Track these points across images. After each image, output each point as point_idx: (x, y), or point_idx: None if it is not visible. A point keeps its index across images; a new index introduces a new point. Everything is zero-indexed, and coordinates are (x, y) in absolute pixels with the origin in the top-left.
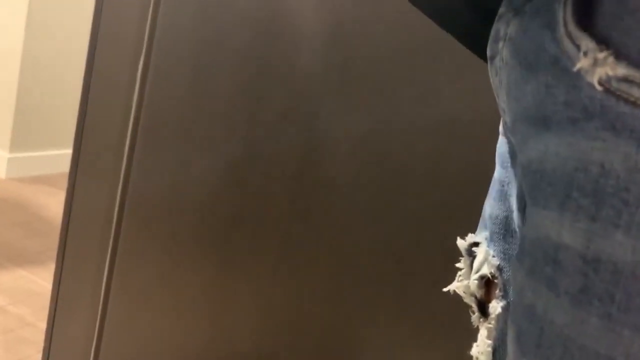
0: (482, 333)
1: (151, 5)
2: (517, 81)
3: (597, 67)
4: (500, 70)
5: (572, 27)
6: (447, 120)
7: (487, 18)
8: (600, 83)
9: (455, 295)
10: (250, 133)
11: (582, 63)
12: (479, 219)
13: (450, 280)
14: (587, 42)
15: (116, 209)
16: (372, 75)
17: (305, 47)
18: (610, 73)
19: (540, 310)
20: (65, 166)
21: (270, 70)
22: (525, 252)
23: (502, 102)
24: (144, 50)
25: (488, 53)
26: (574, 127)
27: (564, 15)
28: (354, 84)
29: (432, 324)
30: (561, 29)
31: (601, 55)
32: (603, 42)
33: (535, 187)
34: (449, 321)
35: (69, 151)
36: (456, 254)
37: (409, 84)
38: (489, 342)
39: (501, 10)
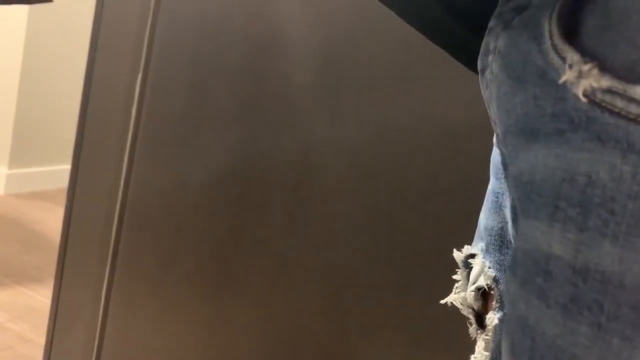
0: (480, 345)
1: (149, 21)
2: (507, 93)
3: (582, 79)
4: (490, 83)
5: (558, 40)
6: (442, 131)
7: (478, 31)
8: (585, 95)
9: (453, 307)
10: (247, 146)
11: (568, 75)
12: (475, 230)
13: (448, 291)
14: (572, 55)
15: (114, 224)
16: (367, 87)
17: (300, 61)
18: (595, 85)
19: (532, 321)
20: (62, 182)
21: (266, 83)
22: (518, 263)
23: (493, 114)
24: (142, 65)
25: (479, 66)
26: (561, 139)
27: (550, 28)
28: (349, 96)
29: (430, 335)
30: (547, 42)
31: (586, 67)
32: (588, 54)
33: (525, 198)
34: (447, 333)
35: (67, 167)
36: (453, 266)
37: (404, 96)
38: (487, 354)
39: (491, 23)
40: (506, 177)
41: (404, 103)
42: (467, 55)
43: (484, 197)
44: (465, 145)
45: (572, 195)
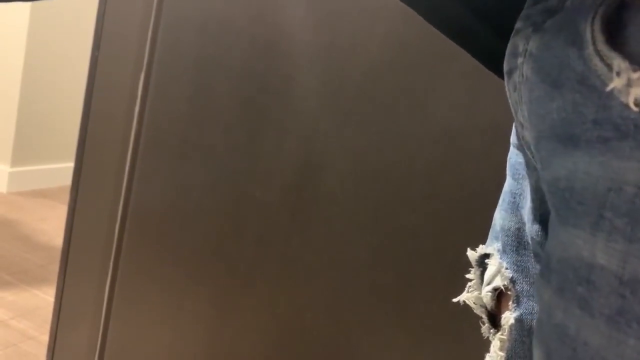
0: (495, 344)
1: (152, 21)
2: (541, 98)
3: (631, 87)
4: (520, 86)
5: (602, 46)
6: (444, 132)
7: (498, 31)
8: (635, 103)
9: (454, 306)
10: (250, 147)
11: (616, 83)
12: (477, 230)
13: (450, 290)
14: (619, 62)
15: (118, 222)
16: (369, 89)
17: (303, 63)
18: None
19: (573, 330)
20: (65, 179)
21: (269, 85)
22: (553, 270)
23: (522, 117)
24: (145, 65)
25: (505, 67)
26: (605, 147)
27: (593, 34)
28: (351, 98)
29: (432, 333)
30: (589, 47)
31: (635, 75)
32: (635, 61)
33: (563, 205)
34: (449, 331)
35: (69, 164)
36: (455, 265)
37: (406, 98)
38: (502, 354)
39: (518, 25)
40: (528, 177)
41: (406, 104)
42: (485, 54)
43: (484, 197)
44: (467, 146)
45: (620, 205)
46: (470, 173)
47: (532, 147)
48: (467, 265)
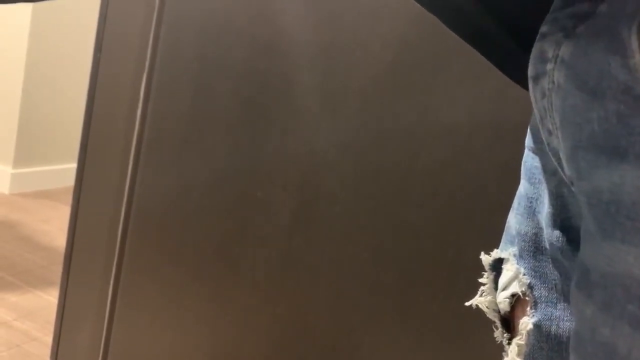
0: (513, 349)
1: (154, 21)
2: (577, 107)
3: None
4: (550, 93)
5: None
6: (445, 131)
7: (515, 33)
8: None
9: (456, 306)
10: (251, 147)
11: None
12: (478, 229)
13: (451, 290)
14: None
15: (120, 223)
16: (370, 88)
17: (303, 63)
18: None
19: (624, 350)
20: (67, 180)
21: (270, 85)
22: (595, 285)
23: (551, 124)
24: (147, 66)
25: (531, 73)
26: None
27: (639, 42)
28: (353, 96)
29: (433, 333)
30: (636, 56)
31: None
32: None
33: (608, 218)
34: (450, 331)
35: (71, 165)
36: (456, 264)
37: (406, 97)
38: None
39: (545, 29)
40: (547, 182)
41: (408, 103)
42: (499, 55)
43: (485, 196)
44: (467, 145)
45: None
46: (471, 172)
47: (561, 155)
48: (468, 265)
